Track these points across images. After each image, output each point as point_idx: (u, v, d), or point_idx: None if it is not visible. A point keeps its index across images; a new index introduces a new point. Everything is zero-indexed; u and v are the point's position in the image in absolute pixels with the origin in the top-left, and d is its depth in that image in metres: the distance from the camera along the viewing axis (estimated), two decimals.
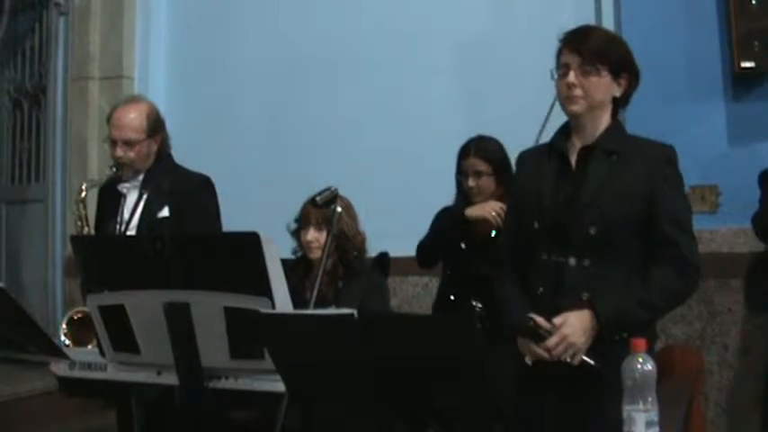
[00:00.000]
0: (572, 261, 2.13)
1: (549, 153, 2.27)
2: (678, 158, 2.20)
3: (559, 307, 2.11)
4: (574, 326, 2.07)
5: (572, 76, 2.15)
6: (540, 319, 2.10)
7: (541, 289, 2.17)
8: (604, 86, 2.18)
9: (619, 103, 2.25)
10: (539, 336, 2.09)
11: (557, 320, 2.08)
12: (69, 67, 4.94)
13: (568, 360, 2.07)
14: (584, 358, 2.07)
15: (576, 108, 2.18)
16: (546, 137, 2.52)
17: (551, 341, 2.07)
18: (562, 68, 2.19)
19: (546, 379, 2.15)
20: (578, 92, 2.16)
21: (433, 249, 3.25)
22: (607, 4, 3.92)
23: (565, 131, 2.27)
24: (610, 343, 2.06)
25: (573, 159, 2.22)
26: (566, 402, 2.15)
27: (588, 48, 2.16)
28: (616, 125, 2.25)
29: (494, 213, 2.99)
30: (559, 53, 2.22)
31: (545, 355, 2.09)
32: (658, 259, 2.13)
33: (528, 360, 2.14)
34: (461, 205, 3.14)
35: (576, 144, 2.22)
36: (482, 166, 3.08)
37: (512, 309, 2.22)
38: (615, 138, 2.21)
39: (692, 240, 2.16)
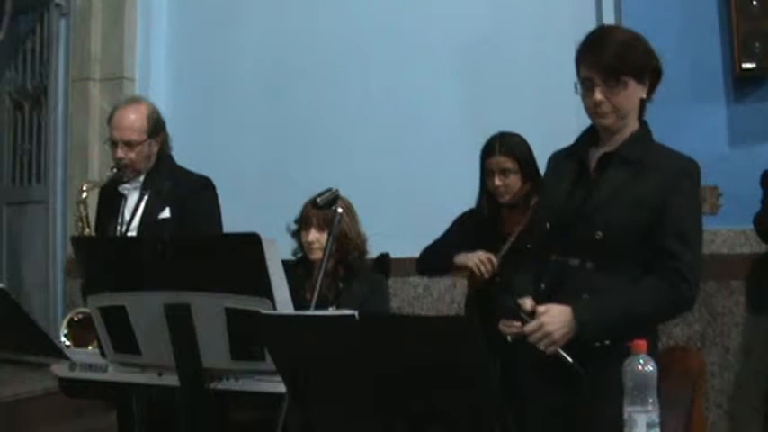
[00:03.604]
0: (575, 262, 2.14)
1: (571, 157, 2.28)
2: (700, 174, 2.16)
3: (558, 303, 2.11)
4: (554, 317, 2.07)
5: (599, 95, 2.12)
6: (526, 303, 2.13)
7: (543, 286, 2.19)
8: (632, 96, 2.15)
9: (645, 101, 2.21)
10: (520, 319, 2.13)
11: (540, 308, 2.09)
12: (70, 69, 4.94)
13: (543, 349, 2.08)
14: (561, 352, 2.07)
15: (607, 122, 2.17)
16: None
17: (530, 326, 2.09)
18: (586, 84, 2.15)
19: (543, 380, 2.17)
20: (607, 107, 2.14)
21: (429, 273, 3.36)
22: (608, 5, 3.92)
23: (590, 134, 2.26)
24: (590, 347, 2.06)
25: (593, 164, 2.22)
26: (563, 403, 2.16)
27: (608, 62, 2.11)
28: (642, 131, 2.21)
29: (477, 261, 2.94)
30: (578, 64, 2.18)
31: (521, 331, 2.12)
32: (654, 270, 2.11)
33: (509, 338, 2.19)
34: (451, 247, 3.11)
35: (600, 150, 2.22)
36: (509, 163, 2.98)
37: (513, 291, 2.24)
38: (638, 146, 2.18)
39: (695, 257, 2.11)
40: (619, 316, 2.07)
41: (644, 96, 2.18)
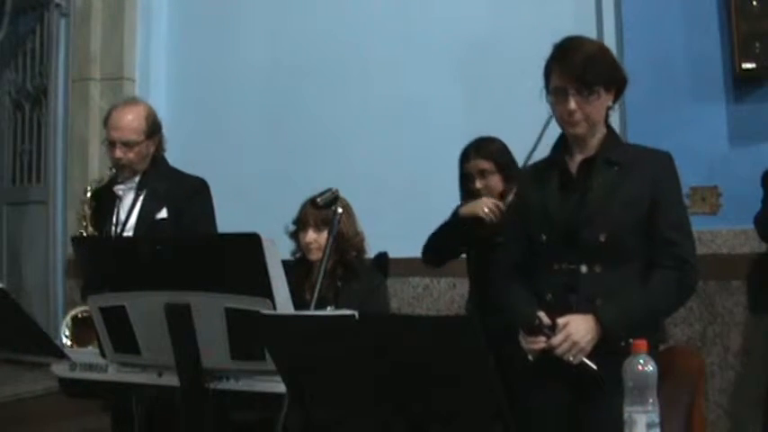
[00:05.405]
0: (584, 268, 2.16)
1: (549, 167, 2.30)
2: (675, 164, 2.24)
3: (569, 312, 2.14)
4: (579, 326, 2.10)
5: (572, 104, 2.17)
6: (545, 318, 2.14)
7: (550, 296, 2.20)
8: (602, 104, 2.21)
9: (610, 108, 2.28)
10: (544, 334, 2.13)
11: (561, 320, 2.12)
12: (70, 69, 4.95)
13: (570, 359, 2.09)
14: (585, 360, 2.10)
15: (579, 131, 2.22)
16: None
17: (556, 339, 2.10)
18: (558, 93, 2.20)
19: (549, 380, 2.17)
20: (579, 116, 2.19)
21: (436, 252, 3.20)
22: (608, 5, 3.92)
23: (562, 144, 2.30)
24: (615, 348, 2.06)
25: (574, 171, 2.25)
26: (569, 403, 2.17)
27: (581, 72, 2.16)
28: (611, 134, 2.28)
29: (486, 210, 2.88)
30: (548, 71, 2.23)
31: (546, 347, 2.11)
32: (659, 261, 2.17)
33: (530, 357, 2.18)
34: (457, 207, 3.08)
35: (577, 156, 2.26)
36: (485, 164, 3.02)
37: (520, 307, 2.24)
38: (614, 148, 2.25)
39: (692, 242, 2.21)
40: (642, 314, 2.13)
41: (610, 104, 2.24)
